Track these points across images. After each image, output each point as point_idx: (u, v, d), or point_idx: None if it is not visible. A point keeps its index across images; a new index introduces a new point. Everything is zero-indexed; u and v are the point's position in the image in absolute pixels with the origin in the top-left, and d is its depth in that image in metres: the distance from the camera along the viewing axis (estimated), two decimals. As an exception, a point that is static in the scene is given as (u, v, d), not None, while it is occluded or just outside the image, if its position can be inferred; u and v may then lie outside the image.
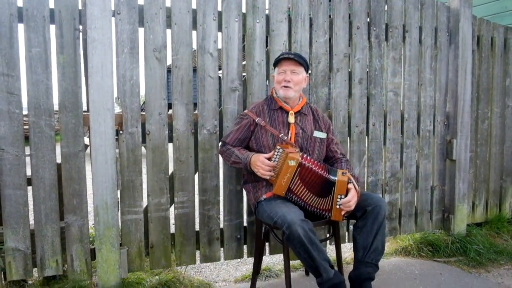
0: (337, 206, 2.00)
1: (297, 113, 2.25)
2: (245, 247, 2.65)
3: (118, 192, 2.32)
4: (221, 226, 2.58)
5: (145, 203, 2.39)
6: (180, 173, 2.45)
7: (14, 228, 2.19)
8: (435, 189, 3.14)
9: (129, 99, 2.32)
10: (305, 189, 2.02)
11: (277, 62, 2.22)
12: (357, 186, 2.02)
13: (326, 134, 2.29)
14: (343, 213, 2.04)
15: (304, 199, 2.04)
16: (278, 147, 2.07)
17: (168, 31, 2.37)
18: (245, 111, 2.28)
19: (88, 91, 2.22)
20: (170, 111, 2.42)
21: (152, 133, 2.37)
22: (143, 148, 2.38)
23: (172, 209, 2.46)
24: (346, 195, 1.99)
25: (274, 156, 2.05)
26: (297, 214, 1.87)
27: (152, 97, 2.36)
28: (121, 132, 2.33)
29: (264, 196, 2.11)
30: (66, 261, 2.30)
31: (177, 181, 2.45)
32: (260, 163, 2.03)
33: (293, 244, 1.86)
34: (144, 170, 2.35)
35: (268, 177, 2.06)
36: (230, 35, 2.49)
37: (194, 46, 2.44)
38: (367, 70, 2.85)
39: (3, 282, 2.26)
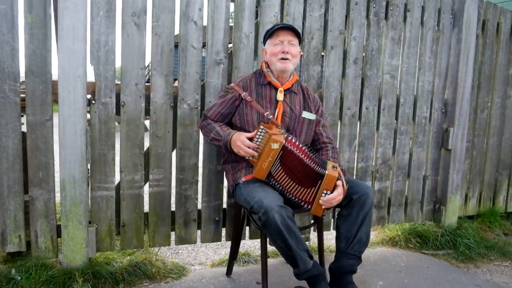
0: (320, 201, 1.85)
1: (287, 91, 2.08)
2: (223, 230, 2.51)
3: (88, 166, 2.16)
4: (199, 207, 2.44)
5: (117, 179, 2.24)
6: (157, 149, 2.29)
7: (-27, 200, 2.04)
8: (427, 178, 3.01)
9: (103, 67, 2.14)
10: (286, 176, 1.87)
11: (272, 33, 2.04)
12: (345, 184, 1.88)
13: (315, 115, 2.13)
14: (323, 207, 1.89)
15: (285, 187, 1.89)
16: (261, 126, 1.91)
17: (149, -5, 2.18)
18: (231, 84, 2.11)
19: (58, 55, 2.04)
20: (148, 83, 2.25)
21: (127, 104, 2.21)
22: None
23: (146, 187, 2.31)
24: (332, 191, 1.85)
25: (257, 136, 1.89)
26: (275, 199, 1.72)
27: (129, 66, 2.18)
28: (93, 102, 2.16)
29: (243, 179, 1.96)
30: (30, 237, 2.16)
31: (152, 157, 2.29)
32: (241, 143, 1.87)
33: (269, 231, 1.72)
34: (117, 145, 2.19)
35: (248, 158, 1.91)
36: (217, 3, 2.30)
37: (177, 13, 2.25)
38: (364, 49, 2.67)
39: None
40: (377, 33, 2.68)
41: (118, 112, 2.21)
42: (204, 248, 2.80)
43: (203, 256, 2.69)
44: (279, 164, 1.86)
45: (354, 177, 2.77)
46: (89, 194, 2.20)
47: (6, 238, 2.11)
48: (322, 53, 2.57)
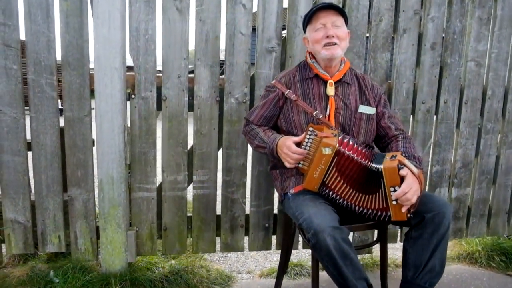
0: (394, 202, 1.51)
1: (338, 83, 1.76)
2: (274, 238, 2.27)
3: (128, 166, 2.00)
4: (247, 211, 2.21)
5: (159, 180, 2.07)
6: (201, 148, 2.08)
7: (13, 198, 1.97)
8: (518, 186, 2.53)
9: (142, 58, 1.96)
10: (345, 184, 1.57)
11: (310, 17, 1.71)
12: (415, 170, 1.49)
13: (375, 109, 1.79)
14: (404, 209, 1.50)
15: (345, 197, 1.59)
16: (310, 128, 1.62)
17: (192, -25, 1.94)
18: (273, 81, 1.82)
19: (94, 46, 1.87)
20: (192, 75, 2.03)
21: (169, 99, 2.01)
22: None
23: (190, 188, 2.12)
24: (401, 184, 1.48)
25: (306, 140, 1.60)
26: (327, 218, 1.43)
27: (171, 56, 1.97)
28: (133, 96, 1.98)
29: (292, 191, 1.68)
30: (70, 238, 2.06)
31: (196, 157, 2.08)
32: (287, 149, 1.59)
33: (320, 256, 1.43)
34: (159, 142, 2.01)
35: (298, 165, 1.63)
36: (269, -18, 2.01)
37: (224, -5, 1.99)
38: (443, 32, 2.24)
39: (2, 255, 2.08)
40: (460, 12, 2.23)
41: (159, 107, 2.02)
42: (254, 253, 2.58)
43: (253, 262, 2.47)
44: (334, 172, 1.56)
45: (428, 182, 2.38)
46: (130, 195, 2.05)
47: (46, 238, 2.03)
48: (393, 36, 2.19)
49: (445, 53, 2.26)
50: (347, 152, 1.53)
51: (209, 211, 2.15)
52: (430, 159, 2.36)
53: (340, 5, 2.07)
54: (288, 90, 1.74)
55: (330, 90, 1.73)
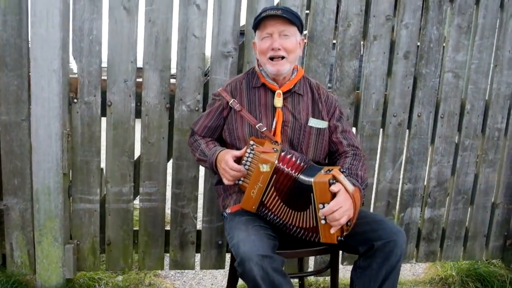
0: (322, 221, 1.34)
1: (288, 93, 1.59)
2: (228, 256, 2.12)
3: (67, 175, 1.87)
4: (198, 227, 2.06)
5: (103, 191, 1.93)
6: (149, 158, 1.93)
7: None
8: (497, 207, 2.35)
9: (86, 60, 1.82)
10: (282, 204, 1.41)
11: (258, 23, 1.53)
12: (349, 187, 1.31)
13: (327, 123, 1.63)
14: (333, 230, 1.32)
15: (282, 217, 1.43)
16: (251, 142, 1.47)
17: (141, -28, 1.80)
18: (219, 89, 1.67)
19: (30, 46, 1.74)
20: (140, 79, 1.89)
21: (114, 104, 1.87)
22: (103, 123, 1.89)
23: (137, 201, 1.98)
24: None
25: (246, 155, 1.45)
26: (256, 245, 1.27)
27: (117, 59, 1.83)
28: (75, 100, 1.84)
29: (228, 211, 1.52)
30: (5, 249, 1.92)
31: (144, 167, 1.94)
32: (225, 165, 1.44)
33: (248, 287, 1.28)
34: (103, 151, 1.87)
35: (238, 182, 1.47)
36: (226, -19, 1.86)
37: (176, -5, 1.85)
38: (418, 41, 2.08)
39: None
40: (437, 19, 2.07)
41: (104, 113, 1.88)
42: (214, 269, 2.42)
43: (210, 280, 2.32)
44: (273, 191, 1.40)
45: (398, 201, 2.21)
46: (70, 206, 1.91)
47: (-22, 249, 1.90)
48: (362, 43, 2.03)
49: (420, 62, 2.10)
50: (286, 169, 1.37)
51: (157, 225, 2.00)
52: (401, 177, 2.19)
53: (304, 8, 1.92)
54: (233, 99, 1.59)
55: (278, 101, 1.57)
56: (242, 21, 1.92)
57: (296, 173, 1.37)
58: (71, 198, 1.92)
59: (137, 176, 1.96)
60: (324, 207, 1.30)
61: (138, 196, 1.97)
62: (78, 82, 1.83)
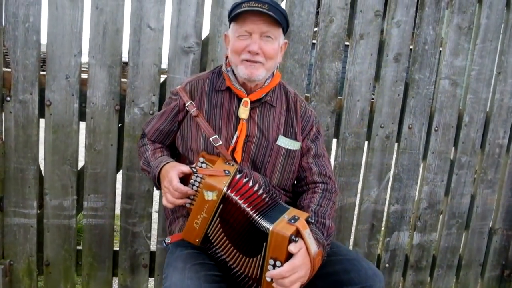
0: (268, 279, 1.07)
1: (257, 102, 1.32)
2: (186, 281, 1.85)
3: (-3, 184, 1.61)
4: (152, 248, 1.80)
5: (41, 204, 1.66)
6: (95, 167, 1.67)
7: None
8: (495, 233, 2.09)
9: (21, 51, 1.55)
10: (228, 242, 1.14)
11: (236, 15, 1.23)
12: (312, 250, 1.04)
13: (300, 143, 1.36)
14: None
15: (226, 256, 1.16)
16: (200, 159, 1.21)
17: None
18: (178, 87, 1.39)
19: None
20: (85, 75, 1.62)
21: (54, 104, 1.60)
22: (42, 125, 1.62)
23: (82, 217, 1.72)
24: (286, 260, 1.04)
25: (194, 176, 1.18)
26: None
27: (57, 51, 1.57)
28: (8, 98, 1.58)
29: (168, 240, 1.24)
30: None
31: (89, 178, 1.68)
32: (168, 183, 1.17)
33: None
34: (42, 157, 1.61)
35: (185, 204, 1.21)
36: (188, -35, 1.59)
37: (129, -22, 1.59)
38: (411, 42, 1.82)
39: None
40: (434, 17, 1.80)
41: (42, 114, 1.62)
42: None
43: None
44: (218, 223, 1.14)
45: (384, 224, 1.95)
46: (3, 221, 1.65)
47: None
48: (347, 43, 1.77)
49: (413, 67, 1.84)
50: (239, 201, 1.10)
51: (104, 245, 1.74)
52: (387, 197, 1.93)
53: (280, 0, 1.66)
54: (190, 102, 1.31)
55: (243, 111, 1.29)
56: (207, 11, 1.66)
57: (253, 211, 1.10)
58: (3, 211, 1.65)
59: (81, 188, 1.69)
60: (275, 263, 1.02)
61: (82, 211, 1.71)
62: (12, 77, 1.56)
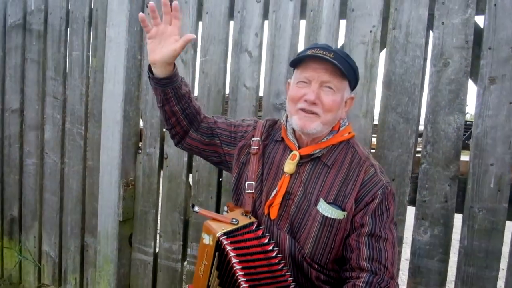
0: None
1: (307, 158, 1.15)
2: None
3: (127, 223, 1.91)
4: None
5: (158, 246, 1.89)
6: (197, 217, 1.79)
7: (48, 233, 2.17)
8: None
9: (149, 112, 1.86)
10: None
11: (299, 60, 1.14)
12: None
13: (345, 213, 1.10)
14: None
15: None
16: (225, 208, 1.18)
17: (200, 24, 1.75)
18: (262, 120, 1.33)
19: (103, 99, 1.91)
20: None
21: (170, 157, 1.83)
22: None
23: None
24: None
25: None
26: None
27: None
28: (139, 151, 1.90)
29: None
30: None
31: (192, 227, 1.80)
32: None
33: None
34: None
35: None
36: (280, 23, 1.59)
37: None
38: None
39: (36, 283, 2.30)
40: None
41: (162, 166, 1.87)
42: None
43: None
44: (216, 276, 1.05)
45: None
46: (131, 255, 1.94)
47: (66, 277, 2.14)
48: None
49: None
50: (231, 252, 0.98)
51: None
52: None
53: (378, 44, 1.44)
54: (259, 139, 1.25)
55: (288, 165, 1.15)
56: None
57: (245, 278, 0.96)
58: (132, 246, 1.95)
59: (185, 235, 1.83)
60: None
61: (186, 257, 1.84)
62: (143, 133, 1.88)
